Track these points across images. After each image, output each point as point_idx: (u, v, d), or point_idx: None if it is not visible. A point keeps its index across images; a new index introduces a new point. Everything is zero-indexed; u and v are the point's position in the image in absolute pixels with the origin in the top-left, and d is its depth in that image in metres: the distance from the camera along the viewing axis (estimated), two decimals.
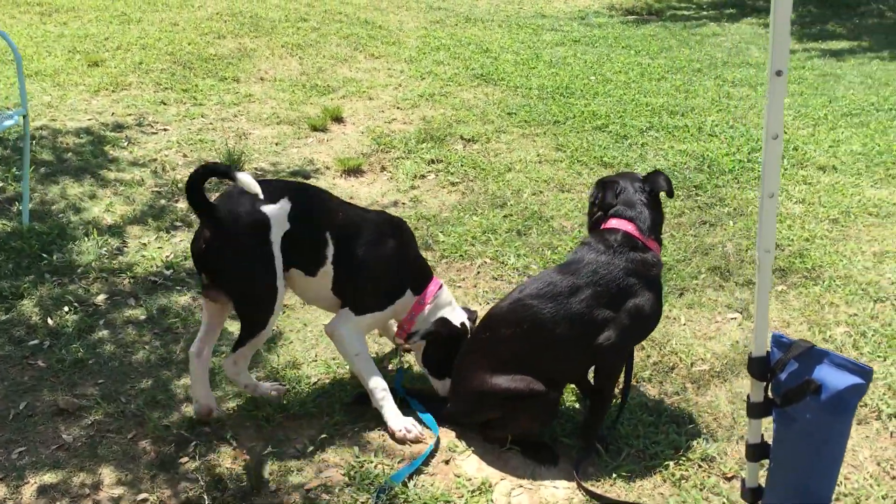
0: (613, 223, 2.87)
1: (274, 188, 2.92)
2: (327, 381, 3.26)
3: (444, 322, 3.09)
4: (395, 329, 3.22)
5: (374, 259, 3.00)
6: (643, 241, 2.82)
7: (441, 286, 3.17)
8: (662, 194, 3.01)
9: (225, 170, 2.82)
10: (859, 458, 2.88)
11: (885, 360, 3.40)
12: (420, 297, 3.11)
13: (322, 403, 3.11)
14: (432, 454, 2.86)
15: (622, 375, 2.93)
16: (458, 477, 2.78)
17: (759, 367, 2.28)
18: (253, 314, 2.89)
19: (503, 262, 4.18)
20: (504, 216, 4.69)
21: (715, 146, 5.79)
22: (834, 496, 2.57)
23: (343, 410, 3.08)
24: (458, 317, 3.14)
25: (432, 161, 5.44)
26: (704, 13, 11.73)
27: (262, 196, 2.75)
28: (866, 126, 6.33)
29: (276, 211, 2.85)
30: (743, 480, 2.51)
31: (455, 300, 3.25)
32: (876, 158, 5.61)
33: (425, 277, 3.16)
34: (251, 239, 2.81)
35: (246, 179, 2.71)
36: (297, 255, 2.94)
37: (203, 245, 2.81)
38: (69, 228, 4.33)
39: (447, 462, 2.85)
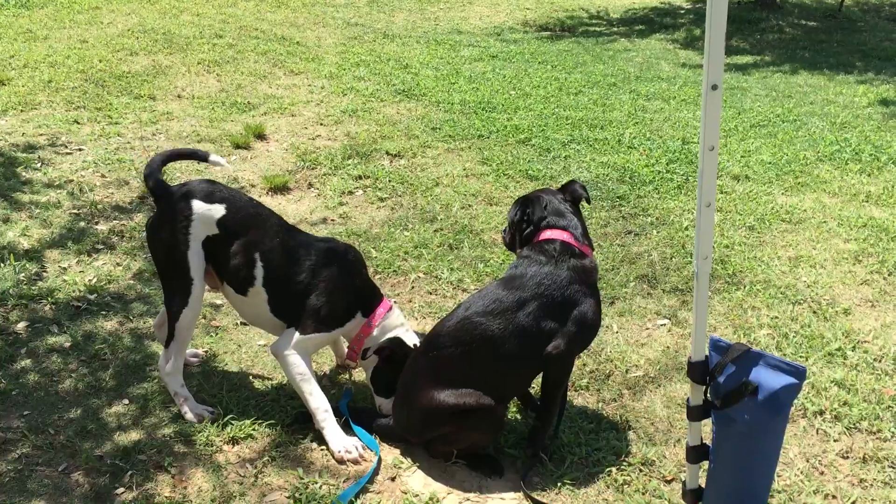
0: (549, 234, 2.91)
1: (220, 192, 3.06)
2: (266, 402, 3.20)
3: (397, 341, 3.08)
4: (346, 349, 3.21)
5: (318, 283, 3.02)
6: (579, 247, 2.88)
7: (391, 308, 3.16)
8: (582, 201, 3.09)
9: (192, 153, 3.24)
10: (790, 455, 2.99)
11: (806, 360, 3.55)
12: (369, 319, 3.11)
13: (262, 425, 3.05)
14: (376, 472, 2.84)
15: None
16: (406, 493, 2.77)
17: (699, 371, 2.35)
18: (169, 302, 3.04)
19: (437, 277, 4.19)
20: (435, 230, 4.70)
21: (635, 158, 5.95)
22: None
23: (284, 431, 3.03)
24: (411, 338, 3.13)
25: (359, 177, 5.43)
26: (615, 29, 12.06)
27: (228, 166, 3.02)
28: (774, 136, 6.62)
29: (205, 210, 2.99)
30: (684, 482, 2.58)
31: (407, 322, 3.25)
32: (785, 167, 5.87)
33: (374, 300, 3.15)
34: (173, 225, 2.98)
35: (215, 158, 3.21)
36: (225, 268, 3.04)
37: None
38: None
39: (393, 479, 2.83)
